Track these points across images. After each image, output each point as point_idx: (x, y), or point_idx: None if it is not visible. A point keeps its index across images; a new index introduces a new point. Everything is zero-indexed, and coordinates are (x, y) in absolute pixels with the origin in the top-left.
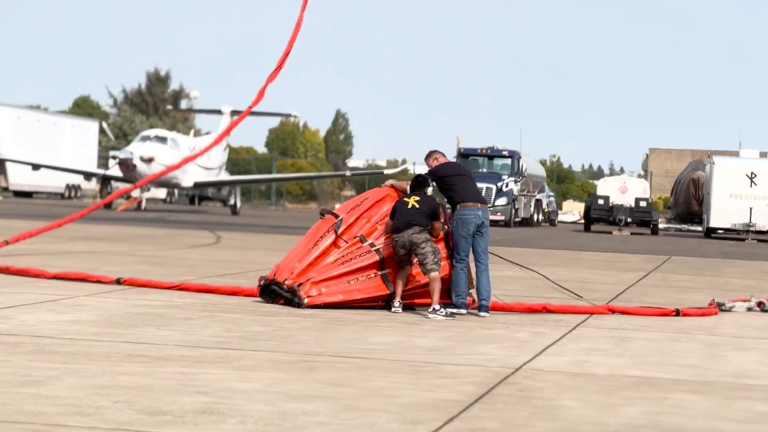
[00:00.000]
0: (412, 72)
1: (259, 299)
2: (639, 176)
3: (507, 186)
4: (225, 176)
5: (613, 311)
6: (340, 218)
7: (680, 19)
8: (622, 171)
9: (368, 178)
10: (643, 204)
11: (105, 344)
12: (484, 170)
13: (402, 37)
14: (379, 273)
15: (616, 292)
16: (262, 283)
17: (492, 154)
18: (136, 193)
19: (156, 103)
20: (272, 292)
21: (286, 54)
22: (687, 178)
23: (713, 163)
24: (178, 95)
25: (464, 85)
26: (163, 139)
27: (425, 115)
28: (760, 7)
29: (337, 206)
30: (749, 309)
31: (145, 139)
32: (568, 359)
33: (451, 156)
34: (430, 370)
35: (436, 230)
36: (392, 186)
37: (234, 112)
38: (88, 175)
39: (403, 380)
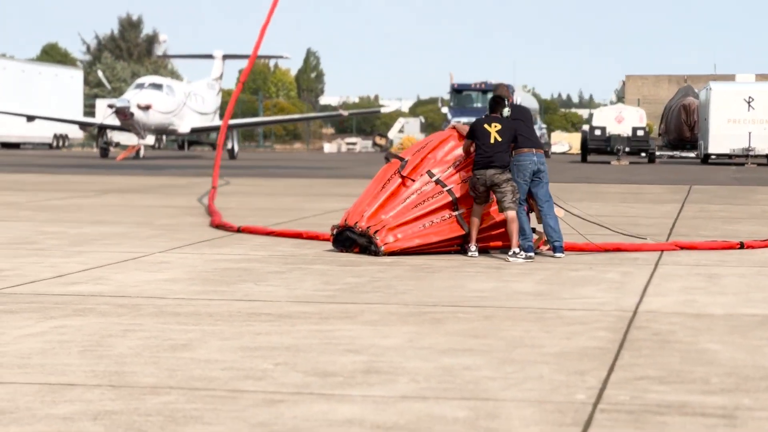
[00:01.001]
0: (380, 9)
1: (333, 248)
2: (612, 103)
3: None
4: (219, 121)
5: (681, 247)
6: (405, 160)
7: None
8: (591, 99)
9: (356, 118)
10: (640, 133)
11: (220, 303)
12: (479, 105)
13: None
14: (454, 214)
15: (666, 226)
16: (334, 231)
17: (486, 89)
18: (134, 141)
19: (130, 48)
20: (346, 240)
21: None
22: (678, 105)
23: (710, 88)
24: (153, 40)
25: (434, 19)
26: (158, 86)
27: (394, 52)
28: None
29: (326, 147)
30: None
31: (141, 86)
32: (675, 299)
33: (444, 92)
34: (551, 317)
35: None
36: (454, 128)
37: (226, 56)
38: (83, 125)
39: (534, 328)
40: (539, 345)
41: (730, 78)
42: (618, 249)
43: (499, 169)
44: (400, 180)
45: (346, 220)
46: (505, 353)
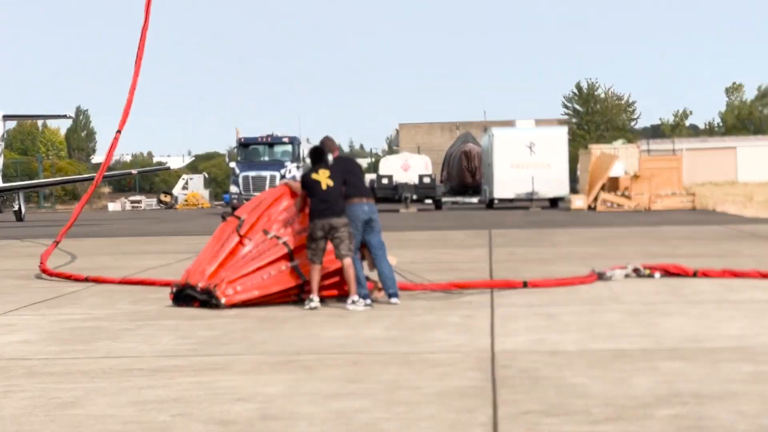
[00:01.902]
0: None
1: (172, 304)
2: (384, 152)
3: (290, 172)
4: (1, 182)
5: (525, 284)
6: (241, 219)
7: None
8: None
9: (138, 177)
10: (426, 180)
11: (88, 361)
12: (266, 158)
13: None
14: (291, 264)
15: (485, 270)
16: (174, 289)
17: (272, 142)
18: None
19: None
20: (186, 296)
21: (137, 70)
22: (459, 151)
23: (492, 134)
24: None
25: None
26: None
27: (166, 109)
28: None
29: (111, 206)
30: (626, 276)
31: None
32: (526, 338)
33: (220, 146)
34: (416, 360)
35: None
36: (286, 185)
37: (6, 117)
38: None
39: (405, 371)
40: (416, 386)
41: (508, 123)
42: (455, 287)
43: (337, 215)
44: (238, 239)
45: (187, 279)
46: (388, 395)
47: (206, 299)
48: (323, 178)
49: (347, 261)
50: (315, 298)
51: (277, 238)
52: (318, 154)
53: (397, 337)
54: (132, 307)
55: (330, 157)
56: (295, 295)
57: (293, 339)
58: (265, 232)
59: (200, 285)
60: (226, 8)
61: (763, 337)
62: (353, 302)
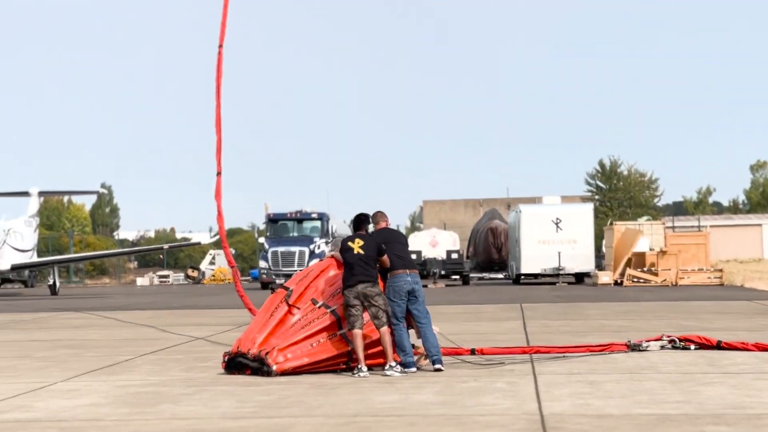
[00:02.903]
0: (168, 138)
1: (224, 372)
2: (408, 229)
3: (319, 248)
4: (36, 257)
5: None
6: (290, 290)
7: (434, 65)
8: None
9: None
10: (454, 256)
11: (158, 422)
12: (295, 234)
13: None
14: (339, 333)
15: (521, 341)
16: (226, 358)
17: (301, 218)
18: None
19: None
20: (238, 364)
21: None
22: (485, 228)
23: (520, 211)
24: None
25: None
26: None
27: (187, 183)
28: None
29: (139, 281)
30: (662, 347)
31: None
32: (571, 403)
33: (259, 221)
34: (468, 422)
35: (385, 263)
36: (333, 257)
37: (42, 193)
38: None
39: (461, 431)
40: None
41: (531, 200)
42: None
43: (366, 282)
44: (286, 308)
45: (238, 347)
46: None
47: (258, 366)
48: (356, 246)
49: (383, 330)
50: (363, 367)
51: (326, 307)
52: (358, 222)
53: (448, 401)
54: (186, 374)
55: (371, 227)
56: (344, 363)
57: (348, 403)
58: (314, 302)
59: (252, 352)
60: (254, 84)
61: None
62: (390, 367)
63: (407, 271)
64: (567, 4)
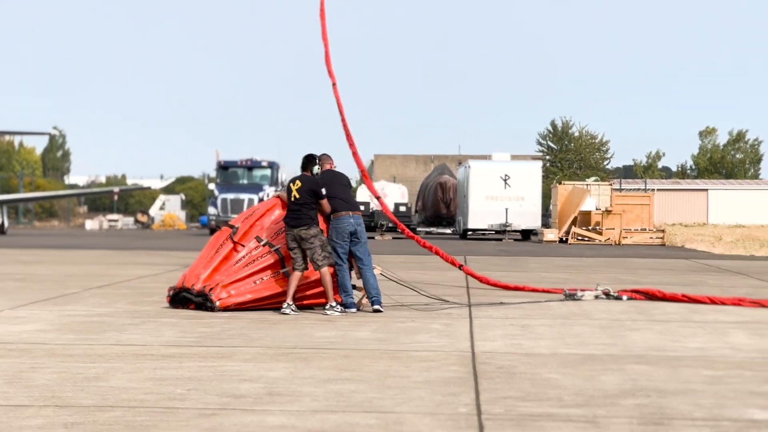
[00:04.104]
0: (120, 83)
1: (169, 306)
2: (358, 182)
3: (268, 196)
4: None
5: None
6: (235, 227)
7: (378, 26)
8: None
9: (117, 196)
10: (402, 209)
11: (102, 347)
12: (245, 181)
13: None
14: (282, 271)
15: (463, 289)
16: (171, 292)
17: (252, 166)
18: None
19: None
20: (182, 299)
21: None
22: (434, 183)
23: (469, 166)
24: None
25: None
26: None
27: (140, 129)
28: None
29: (88, 224)
30: (596, 297)
31: None
32: (503, 343)
33: (210, 168)
34: (403, 357)
35: (323, 207)
36: (278, 197)
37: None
38: None
39: (394, 364)
40: (405, 376)
41: (482, 157)
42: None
43: (301, 226)
44: (231, 245)
45: (183, 282)
46: (380, 382)
47: (201, 301)
48: (294, 188)
49: (323, 270)
50: (287, 304)
51: (270, 245)
52: (305, 162)
53: (384, 338)
54: (132, 307)
55: (317, 169)
56: None
57: (288, 336)
58: (258, 240)
59: (196, 288)
60: (209, 28)
61: (723, 350)
62: (330, 307)
63: (350, 213)
64: None
